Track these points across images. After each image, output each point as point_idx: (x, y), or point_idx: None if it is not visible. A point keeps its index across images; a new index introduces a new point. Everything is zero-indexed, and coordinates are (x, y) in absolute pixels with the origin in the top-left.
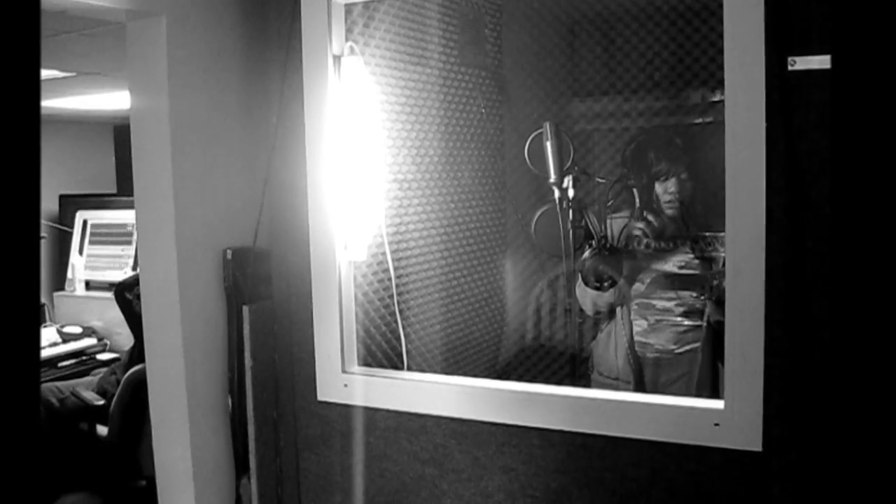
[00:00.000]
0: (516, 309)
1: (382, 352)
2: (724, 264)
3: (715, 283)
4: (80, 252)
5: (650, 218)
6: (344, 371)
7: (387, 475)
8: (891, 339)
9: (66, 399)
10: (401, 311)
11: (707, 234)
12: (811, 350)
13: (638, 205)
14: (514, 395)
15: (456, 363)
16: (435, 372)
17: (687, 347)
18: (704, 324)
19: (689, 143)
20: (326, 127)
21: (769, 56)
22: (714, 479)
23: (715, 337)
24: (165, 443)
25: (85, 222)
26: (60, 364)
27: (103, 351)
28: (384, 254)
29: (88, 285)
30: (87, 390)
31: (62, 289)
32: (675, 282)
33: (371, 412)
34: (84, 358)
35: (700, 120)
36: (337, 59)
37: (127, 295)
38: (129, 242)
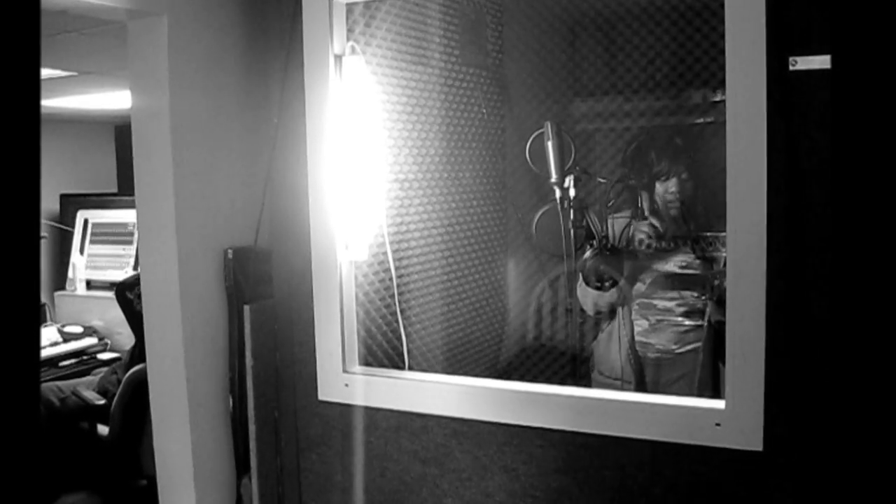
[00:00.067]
0: (517, 309)
1: (383, 351)
2: (724, 264)
3: (716, 282)
4: (81, 251)
5: (654, 222)
6: (345, 371)
7: (388, 475)
8: (891, 339)
9: (67, 398)
10: (402, 311)
11: (708, 233)
12: (812, 350)
13: (639, 204)
14: (515, 395)
15: (457, 363)
16: (436, 372)
17: (688, 347)
18: (705, 324)
19: (690, 143)
20: (327, 126)
21: (770, 56)
22: (715, 479)
23: (716, 337)
24: (166, 442)
25: (86, 222)
26: (61, 363)
27: (104, 350)
28: (385, 253)
29: (89, 285)
30: (87, 390)
31: (63, 288)
32: (676, 282)
33: (372, 412)
34: (85, 357)
35: (701, 120)
36: (338, 58)
37: (128, 294)
38: (130, 242)
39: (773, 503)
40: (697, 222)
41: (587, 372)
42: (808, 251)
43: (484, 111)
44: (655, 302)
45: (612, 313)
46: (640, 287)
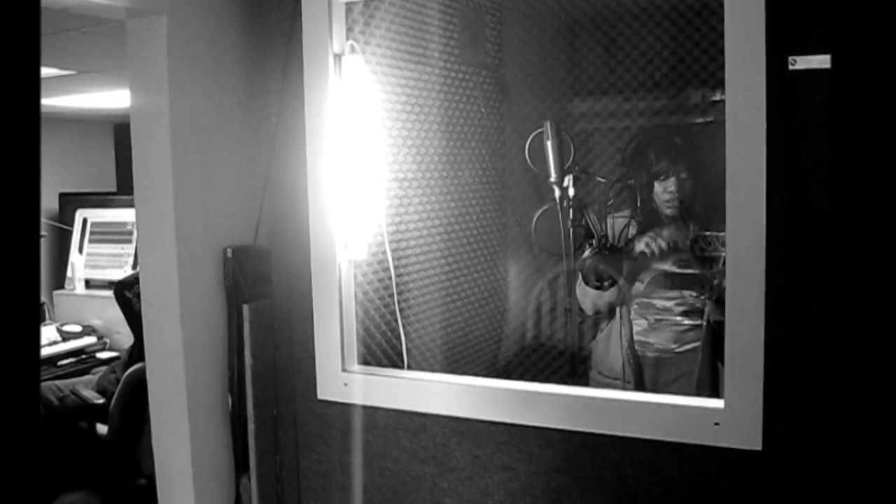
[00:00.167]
0: (516, 308)
1: (382, 350)
2: (724, 263)
3: (715, 282)
4: (80, 250)
5: (662, 243)
6: (344, 370)
7: (386, 474)
8: (890, 339)
9: (66, 398)
10: (401, 310)
11: (707, 233)
12: (811, 349)
13: (638, 204)
14: (513, 394)
15: (456, 362)
16: (435, 371)
17: (687, 347)
18: (704, 323)
19: (690, 143)
20: (327, 125)
21: (769, 56)
22: (714, 479)
23: (715, 336)
24: (165, 441)
25: (85, 221)
26: (60, 363)
27: (103, 349)
28: (384, 252)
29: (88, 284)
30: (86, 389)
31: (62, 287)
32: (675, 281)
33: (371, 411)
34: (84, 356)
35: (700, 119)
36: (337, 57)
37: (127, 293)
38: (129, 241)
39: (773, 503)
40: (696, 221)
41: (585, 372)
42: (807, 250)
43: (483, 110)
44: (655, 301)
45: (611, 313)
46: (639, 286)
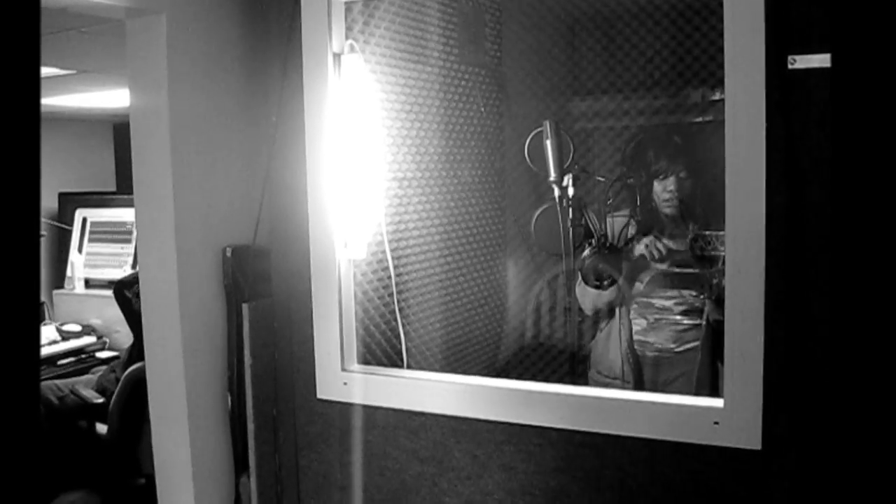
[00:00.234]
0: (516, 307)
1: (382, 350)
2: (723, 263)
3: (714, 281)
4: (80, 250)
5: (660, 247)
6: (343, 369)
7: (386, 473)
8: (890, 339)
9: (66, 397)
10: (400, 310)
11: (706, 232)
12: (811, 349)
13: (637, 203)
14: (513, 394)
15: (455, 361)
16: (434, 370)
17: (686, 346)
18: (704, 322)
19: (689, 142)
20: (326, 125)
21: (769, 54)
22: (713, 478)
23: (714, 336)
24: (165, 441)
25: (84, 220)
26: (60, 362)
27: (102, 349)
28: (384, 252)
29: (88, 283)
30: (86, 388)
31: (61, 287)
32: (674, 280)
33: (370, 410)
34: (83, 356)
35: (700, 118)
36: (337, 56)
37: (126, 293)
38: (129, 240)
39: (772, 502)
40: (696, 221)
41: (585, 371)
42: (807, 250)
43: (483, 109)
44: (654, 301)
45: (610, 312)
46: (638, 286)
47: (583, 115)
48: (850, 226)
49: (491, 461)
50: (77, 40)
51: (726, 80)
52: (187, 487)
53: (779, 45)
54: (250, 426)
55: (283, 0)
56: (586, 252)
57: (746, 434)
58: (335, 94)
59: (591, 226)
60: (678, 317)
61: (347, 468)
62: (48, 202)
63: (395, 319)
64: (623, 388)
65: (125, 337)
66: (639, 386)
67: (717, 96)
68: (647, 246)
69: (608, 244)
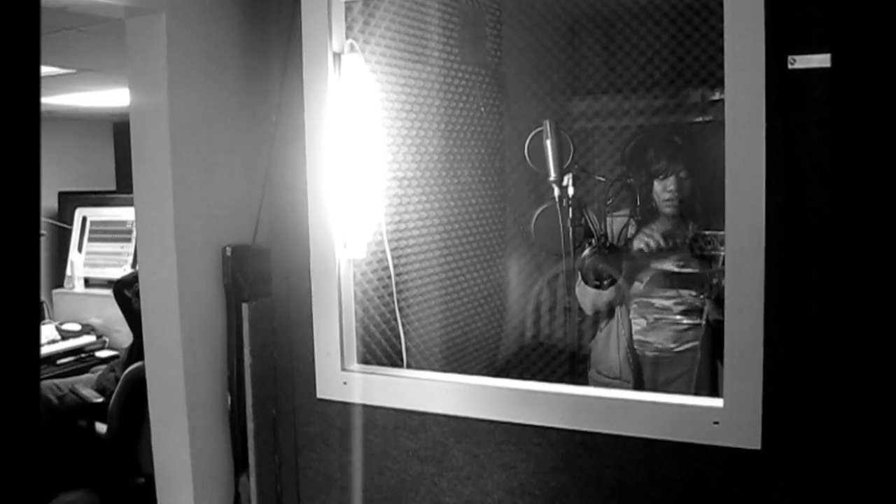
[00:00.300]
0: (516, 307)
1: (382, 349)
2: (723, 263)
3: (714, 281)
4: (80, 249)
5: (658, 238)
6: (343, 369)
7: (386, 473)
8: (890, 338)
9: (65, 396)
10: (400, 309)
11: (706, 232)
12: (810, 349)
13: (637, 203)
14: (513, 393)
15: (455, 361)
16: (434, 370)
17: (686, 346)
18: (703, 322)
19: (689, 142)
20: (326, 124)
21: (769, 54)
22: (713, 478)
23: (714, 335)
24: (164, 440)
25: (84, 219)
26: (59, 361)
27: (102, 348)
28: (384, 251)
29: (87, 282)
30: (85, 388)
31: (61, 286)
32: (674, 280)
33: (370, 410)
34: (83, 355)
35: (700, 118)
36: (337, 56)
37: (126, 292)
38: (129, 240)
39: (772, 502)
40: (696, 220)
41: (584, 371)
42: (806, 249)
43: (483, 109)
44: (654, 300)
45: (610, 312)
46: (638, 286)
47: (583, 115)
48: (850, 226)
49: (491, 461)
50: (77, 39)
51: (726, 80)
52: (187, 487)
53: (779, 45)
54: (250, 426)
55: (283, 0)
56: (586, 252)
57: (746, 434)
58: (335, 94)
59: (591, 225)
60: (678, 316)
61: (347, 468)
62: (48, 201)
63: (395, 319)
64: (623, 387)
65: (125, 336)
66: (639, 386)
67: (717, 96)
68: (641, 240)
69: (608, 244)
